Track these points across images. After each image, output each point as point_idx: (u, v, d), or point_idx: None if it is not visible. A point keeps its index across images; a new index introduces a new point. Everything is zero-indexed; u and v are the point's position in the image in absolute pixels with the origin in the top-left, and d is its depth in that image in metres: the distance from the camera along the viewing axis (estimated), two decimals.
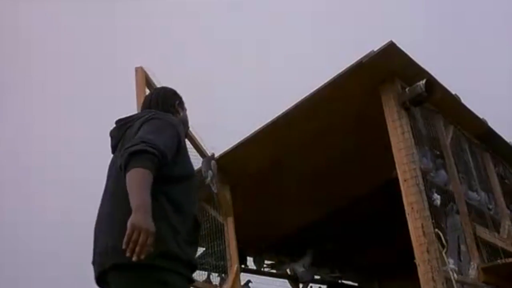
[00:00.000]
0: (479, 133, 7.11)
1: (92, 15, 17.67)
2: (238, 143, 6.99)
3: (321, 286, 11.08)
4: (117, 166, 2.41)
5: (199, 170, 6.98)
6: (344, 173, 7.80)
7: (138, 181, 2.18)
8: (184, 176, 2.49)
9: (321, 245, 9.95)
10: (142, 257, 2.03)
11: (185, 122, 2.89)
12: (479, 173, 6.98)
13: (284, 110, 6.42)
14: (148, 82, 6.10)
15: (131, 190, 2.17)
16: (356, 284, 11.87)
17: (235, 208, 7.45)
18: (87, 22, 17.48)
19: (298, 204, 8.49)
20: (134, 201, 2.13)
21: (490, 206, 6.89)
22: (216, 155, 7.23)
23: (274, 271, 10.19)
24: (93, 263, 2.40)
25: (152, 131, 2.40)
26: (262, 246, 9.59)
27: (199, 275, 7.78)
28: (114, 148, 2.65)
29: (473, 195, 6.61)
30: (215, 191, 6.98)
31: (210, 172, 6.90)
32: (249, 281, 8.81)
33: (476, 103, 6.84)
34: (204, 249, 7.99)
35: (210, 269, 7.86)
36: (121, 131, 2.62)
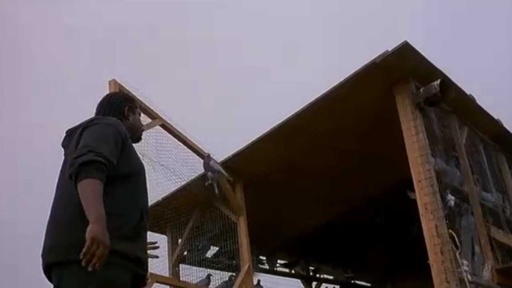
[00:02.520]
0: (494, 133, 7.06)
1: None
2: (251, 142, 6.99)
3: (335, 286, 11.08)
4: (66, 175, 2.48)
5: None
6: (358, 173, 7.79)
7: (91, 193, 2.30)
8: (130, 174, 2.55)
9: (333, 245, 9.94)
10: (97, 267, 2.18)
11: (136, 127, 2.93)
12: (493, 174, 6.93)
13: (297, 110, 6.41)
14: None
15: (86, 202, 2.29)
16: (369, 285, 11.85)
17: (248, 208, 7.46)
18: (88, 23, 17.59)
19: (311, 204, 8.50)
20: (91, 213, 2.25)
21: (505, 208, 6.84)
22: (229, 154, 7.25)
23: (287, 270, 10.21)
24: (41, 256, 2.50)
25: (96, 138, 2.47)
26: (275, 245, 9.60)
27: (214, 274, 7.84)
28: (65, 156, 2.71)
29: (488, 196, 6.57)
30: (217, 191, 6.99)
31: (209, 174, 6.93)
32: (259, 281, 8.84)
33: (489, 103, 6.80)
34: (217, 248, 8.04)
35: (222, 268, 7.91)
36: (69, 140, 2.67)
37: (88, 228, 2.19)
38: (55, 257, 2.38)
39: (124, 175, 2.52)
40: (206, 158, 6.98)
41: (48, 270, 2.43)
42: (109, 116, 2.76)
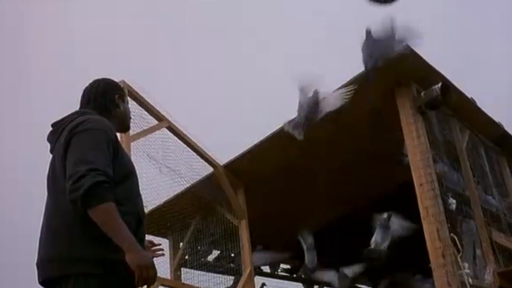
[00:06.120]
0: (496, 137, 7.06)
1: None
2: (252, 146, 7.00)
3: None
4: (57, 179, 2.41)
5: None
6: (359, 176, 7.79)
7: (113, 219, 2.24)
8: (123, 178, 2.47)
9: (335, 249, 9.92)
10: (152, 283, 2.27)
11: (125, 117, 2.83)
12: (495, 177, 6.93)
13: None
14: (133, 94, 6.15)
15: (110, 231, 2.23)
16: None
17: (250, 212, 7.46)
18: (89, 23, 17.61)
19: (313, 207, 8.49)
20: (120, 242, 2.22)
21: (506, 211, 6.84)
22: (230, 158, 7.26)
23: (288, 274, 10.19)
24: (38, 268, 2.44)
25: (90, 149, 2.34)
26: (277, 250, 9.58)
27: (214, 278, 7.84)
28: (52, 152, 2.60)
29: (489, 199, 6.57)
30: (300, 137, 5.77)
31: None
32: (264, 284, 8.84)
33: (490, 104, 6.81)
34: (219, 252, 8.04)
35: (223, 272, 7.90)
36: (55, 136, 2.57)
37: (127, 258, 2.20)
38: (56, 270, 2.31)
39: (118, 181, 2.41)
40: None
41: (47, 283, 2.36)
42: (98, 106, 2.67)
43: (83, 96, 2.76)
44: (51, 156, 2.58)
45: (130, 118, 2.96)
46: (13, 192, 14.04)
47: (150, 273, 2.23)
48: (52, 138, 2.60)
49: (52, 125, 2.64)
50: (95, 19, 17.72)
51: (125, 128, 2.88)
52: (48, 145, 2.65)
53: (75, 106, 2.74)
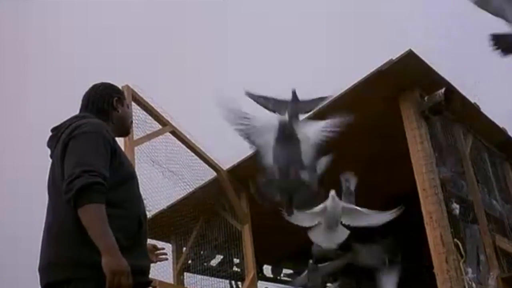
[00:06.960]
0: (499, 142, 7.05)
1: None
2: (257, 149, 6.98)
3: None
4: (56, 183, 2.41)
5: None
6: (362, 182, 7.76)
7: (97, 220, 2.20)
8: (123, 181, 2.46)
9: (338, 254, 9.90)
10: None
11: (125, 120, 2.80)
12: (498, 182, 6.92)
13: (302, 118, 6.41)
14: (136, 99, 6.18)
15: (92, 231, 2.19)
16: None
17: (253, 217, 7.44)
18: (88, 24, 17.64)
19: None
20: (100, 243, 2.17)
21: (510, 216, 6.83)
22: (234, 163, 7.26)
23: (291, 279, 10.18)
24: (40, 272, 2.42)
25: (86, 152, 2.35)
26: (280, 254, 9.57)
27: (217, 282, 7.83)
28: (51, 157, 2.59)
29: (493, 204, 6.56)
30: None
31: None
32: None
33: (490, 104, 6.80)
34: (222, 256, 8.03)
35: (226, 277, 7.90)
36: (54, 141, 2.56)
37: (103, 261, 2.13)
38: (56, 275, 2.29)
39: (118, 184, 2.39)
40: None
41: (48, 287, 2.33)
42: (95, 110, 2.66)
43: (82, 100, 2.76)
44: (51, 160, 2.57)
45: (131, 121, 2.95)
46: (13, 192, 14.06)
47: (122, 281, 2.13)
48: (52, 143, 2.59)
49: (52, 130, 2.64)
50: (95, 19, 17.73)
51: (124, 131, 2.85)
52: (48, 149, 2.64)
53: (75, 107, 2.74)
